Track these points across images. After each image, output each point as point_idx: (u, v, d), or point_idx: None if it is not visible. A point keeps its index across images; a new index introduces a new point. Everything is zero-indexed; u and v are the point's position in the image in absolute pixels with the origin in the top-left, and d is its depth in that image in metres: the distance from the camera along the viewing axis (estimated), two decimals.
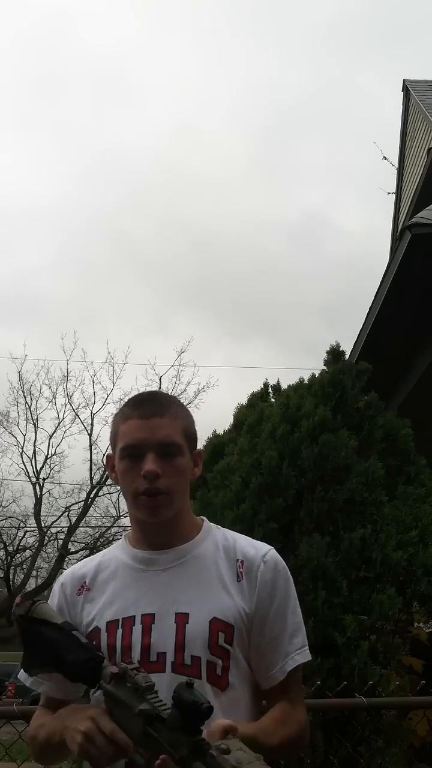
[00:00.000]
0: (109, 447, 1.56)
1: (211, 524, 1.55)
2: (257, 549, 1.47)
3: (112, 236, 38.01)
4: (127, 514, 1.65)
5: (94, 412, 22.09)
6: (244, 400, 4.66)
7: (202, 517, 1.57)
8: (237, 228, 40.51)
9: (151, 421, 1.43)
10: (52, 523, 22.06)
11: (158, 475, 1.40)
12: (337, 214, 44.59)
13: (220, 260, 40.35)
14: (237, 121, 46.04)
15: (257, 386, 4.71)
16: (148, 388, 20.25)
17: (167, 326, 35.78)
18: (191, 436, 1.50)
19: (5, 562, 21.39)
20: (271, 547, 1.50)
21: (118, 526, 21.29)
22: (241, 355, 37.11)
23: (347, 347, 6.34)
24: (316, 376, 4.17)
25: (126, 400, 1.56)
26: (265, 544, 1.50)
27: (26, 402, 22.39)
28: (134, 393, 1.72)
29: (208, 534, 1.51)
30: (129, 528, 1.59)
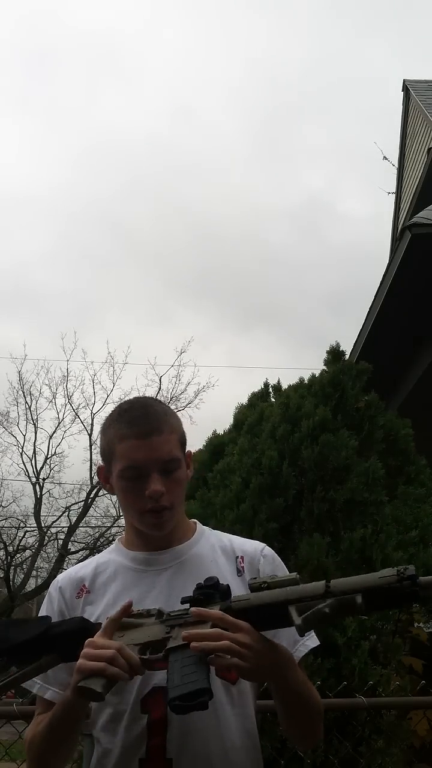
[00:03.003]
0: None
1: (203, 526, 1.58)
2: (254, 545, 1.53)
3: (109, 224, 37.29)
4: None
5: (94, 412, 22.02)
6: (246, 395, 4.68)
7: (193, 519, 1.59)
8: (238, 214, 39.80)
9: (151, 441, 1.42)
10: (52, 523, 22.05)
11: (163, 493, 1.42)
12: (341, 198, 44.06)
13: (221, 248, 39.61)
14: (237, 103, 45.34)
15: (260, 378, 4.73)
16: (148, 389, 20.27)
17: (168, 317, 35.37)
18: (184, 442, 1.52)
19: (5, 562, 21.35)
20: (264, 544, 1.55)
21: (118, 526, 21.27)
22: (243, 346, 36.78)
23: (348, 346, 6.36)
24: (316, 376, 4.17)
25: (116, 412, 1.50)
26: (257, 541, 1.56)
27: (26, 402, 22.32)
28: (125, 399, 1.65)
29: (202, 535, 1.54)
30: None
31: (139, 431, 1.43)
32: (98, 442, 1.58)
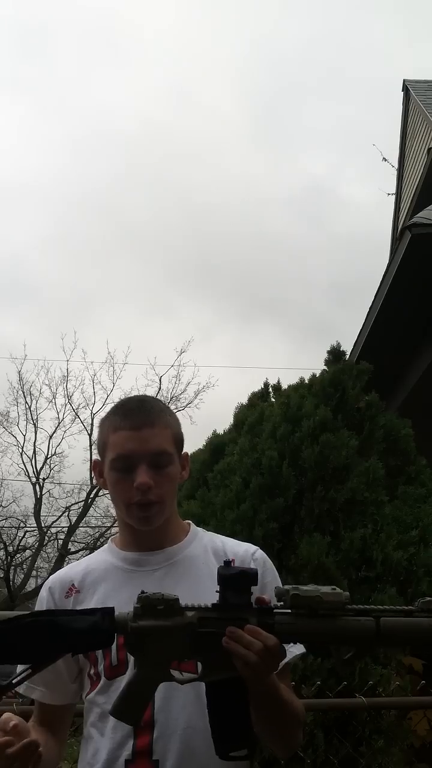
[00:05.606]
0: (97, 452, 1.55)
1: (197, 527, 1.58)
2: (246, 548, 1.52)
3: (106, 214, 36.42)
4: None
5: (94, 412, 22.02)
6: (247, 387, 4.68)
7: (187, 520, 1.59)
8: (239, 203, 39.10)
9: (142, 432, 1.44)
10: (52, 523, 22.05)
11: (151, 486, 1.41)
12: (345, 186, 43.30)
13: (222, 239, 38.92)
14: (238, 86, 44.54)
15: (262, 374, 4.73)
16: (148, 389, 20.26)
17: (168, 308, 34.79)
18: (179, 441, 1.52)
19: (5, 562, 21.36)
20: (257, 546, 1.54)
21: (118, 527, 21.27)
22: (245, 339, 36.28)
23: (350, 341, 6.37)
24: (317, 375, 4.18)
25: (114, 406, 1.54)
26: (250, 544, 1.55)
27: (26, 402, 22.30)
28: (125, 397, 1.67)
29: (195, 536, 1.54)
30: None
31: (131, 423, 1.45)
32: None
